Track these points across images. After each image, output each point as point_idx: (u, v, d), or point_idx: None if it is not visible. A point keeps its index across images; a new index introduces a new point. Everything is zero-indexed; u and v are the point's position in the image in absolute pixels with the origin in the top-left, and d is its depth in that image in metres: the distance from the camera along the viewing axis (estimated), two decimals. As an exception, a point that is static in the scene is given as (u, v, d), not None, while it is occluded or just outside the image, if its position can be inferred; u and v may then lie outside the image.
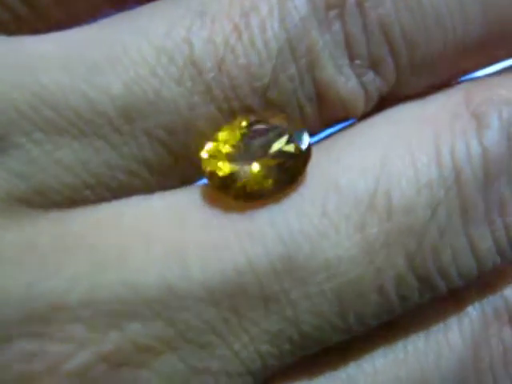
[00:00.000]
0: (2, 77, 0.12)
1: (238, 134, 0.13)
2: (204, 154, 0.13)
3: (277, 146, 0.13)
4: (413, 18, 0.14)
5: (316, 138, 0.15)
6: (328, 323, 0.13)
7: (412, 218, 0.13)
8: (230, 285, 0.12)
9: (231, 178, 0.13)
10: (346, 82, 0.14)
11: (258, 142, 0.13)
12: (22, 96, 0.12)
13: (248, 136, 0.13)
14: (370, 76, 0.14)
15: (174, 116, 0.13)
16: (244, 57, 0.13)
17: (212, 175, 0.13)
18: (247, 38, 0.13)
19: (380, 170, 0.13)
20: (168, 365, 0.12)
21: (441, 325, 0.14)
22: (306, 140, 0.13)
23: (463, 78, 0.15)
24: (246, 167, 0.13)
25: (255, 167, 0.13)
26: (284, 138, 0.13)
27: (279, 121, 0.13)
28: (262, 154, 0.13)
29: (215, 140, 0.13)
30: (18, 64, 0.13)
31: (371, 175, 0.13)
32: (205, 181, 0.14)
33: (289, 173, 0.13)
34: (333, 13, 0.13)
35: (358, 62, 0.14)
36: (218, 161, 0.13)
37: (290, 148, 0.13)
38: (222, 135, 0.13)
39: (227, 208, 0.13)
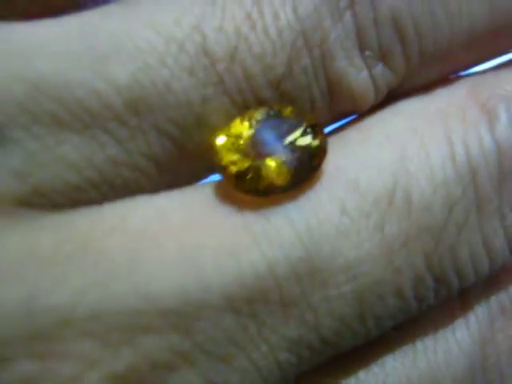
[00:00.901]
0: None
1: (252, 126, 0.12)
2: (218, 148, 0.12)
3: (292, 139, 0.12)
4: (423, 9, 0.13)
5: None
6: (348, 327, 0.12)
7: (430, 217, 0.12)
8: (249, 290, 0.11)
9: (246, 172, 0.12)
10: (358, 74, 0.13)
11: (272, 136, 0.12)
12: (21, 87, 0.11)
13: (262, 129, 0.12)
14: (379, 68, 0.13)
15: (185, 109, 0.12)
16: (258, 46, 0.12)
17: (227, 170, 0.12)
18: (260, 27, 0.12)
19: (397, 167, 0.13)
20: (184, 381, 0.11)
21: (449, 323, 0.14)
22: (321, 133, 0.13)
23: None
24: (261, 161, 0.12)
25: (271, 161, 0.12)
26: (299, 131, 0.12)
27: (293, 113, 0.12)
28: (276, 147, 0.12)
29: (228, 133, 0.12)
30: (15, 52, 0.11)
31: (389, 173, 0.13)
32: (212, 179, 0.13)
33: (305, 167, 0.12)
34: (343, 3, 0.13)
35: (368, 53, 0.13)
36: (233, 155, 0.12)
37: (307, 141, 0.12)
38: (236, 128, 0.12)
39: (241, 207, 0.12)
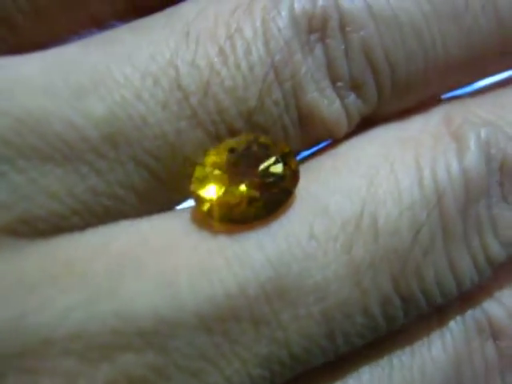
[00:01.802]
0: None
1: (225, 157, 0.13)
2: (191, 179, 0.13)
3: (264, 168, 0.13)
4: (394, 41, 0.14)
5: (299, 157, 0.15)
6: (316, 344, 0.13)
7: (397, 240, 0.13)
8: (220, 310, 0.12)
9: (220, 202, 0.13)
10: (330, 105, 0.14)
11: (245, 165, 0.13)
12: (6, 122, 0.12)
13: (235, 159, 0.13)
14: (352, 98, 0.14)
15: (160, 141, 0.13)
16: (230, 80, 0.13)
17: (200, 200, 0.13)
18: (232, 62, 0.13)
19: (366, 192, 0.13)
20: None
21: (425, 340, 0.14)
22: (293, 161, 0.13)
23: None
24: (234, 191, 0.13)
25: (244, 191, 0.13)
26: (271, 160, 0.13)
27: (265, 143, 0.13)
28: (249, 176, 0.13)
29: (202, 164, 0.13)
30: (0, 88, 0.12)
31: (357, 198, 0.13)
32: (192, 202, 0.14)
33: (278, 195, 0.13)
34: (314, 36, 0.14)
35: (340, 84, 0.14)
36: (206, 185, 0.13)
37: (279, 170, 0.13)
38: (210, 159, 0.13)
39: (216, 231, 0.13)
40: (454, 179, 0.13)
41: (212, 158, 0.13)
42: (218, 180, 0.13)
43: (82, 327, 0.12)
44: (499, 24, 0.15)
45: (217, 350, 0.12)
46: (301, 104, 0.13)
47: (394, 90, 0.14)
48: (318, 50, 0.14)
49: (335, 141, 0.15)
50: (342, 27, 0.14)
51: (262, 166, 0.13)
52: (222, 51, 0.13)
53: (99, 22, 0.14)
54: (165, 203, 0.13)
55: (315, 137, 0.14)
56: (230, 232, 0.13)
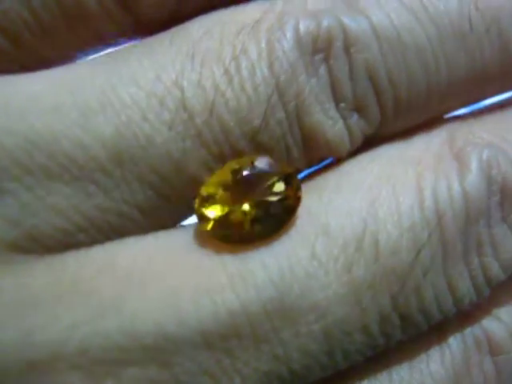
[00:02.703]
0: None
1: (228, 177, 0.13)
2: (196, 199, 0.13)
3: (267, 187, 0.13)
4: (398, 62, 0.14)
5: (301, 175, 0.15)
6: (316, 361, 0.13)
7: (397, 260, 0.13)
8: (223, 327, 0.13)
9: (223, 222, 0.13)
10: (333, 125, 0.14)
11: (248, 185, 0.13)
12: (15, 141, 0.12)
13: (238, 179, 0.13)
14: (354, 118, 0.14)
15: (165, 160, 0.13)
16: (234, 100, 0.13)
17: (203, 219, 0.13)
18: (237, 82, 0.13)
19: (367, 212, 0.13)
20: None
21: (423, 355, 0.15)
22: (295, 181, 0.14)
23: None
24: (237, 211, 0.13)
25: (246, 211, 0.13)
26: (274, 181, 0.13)
27: (268, 163, 0.13)
28: (252, 197, 0.13)
29: (206, 183, 0.13)
30: (9, 107, 0.12)
31: (358, 218, 0.13)
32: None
33: (279, 215, 0.13)
34: (319, 56, 0.14)
35: (343, 104, 0.14)
36: (210, 205, 0.13)
37: (281, 189, 0.13)
38: (213, 178, 0.13)
39: (220, 249, 0.13)
40: (455, 200, 0.14)
41: (216, 177, 0.13)
42: (221, 199, 0.13)
43: (88, 343, 0.12)
44: (503, 47, 0.15)
45: (218, 366, 0.13)
46: (304, 124, 0.14)
47: (397, 111, 0.14)
48: (322, 71, 0.14)
49: (338, 159, 0.15)
50: (347, 48, 0.14)
51: (264, 187, 0.13)
52: (227, 72, 0.13)
53: (104, 40, 0.15)
54: (169, 220, 0.14)
55: (318, 156, 0.14)
56: (233, 251, 0.13)
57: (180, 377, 0.13)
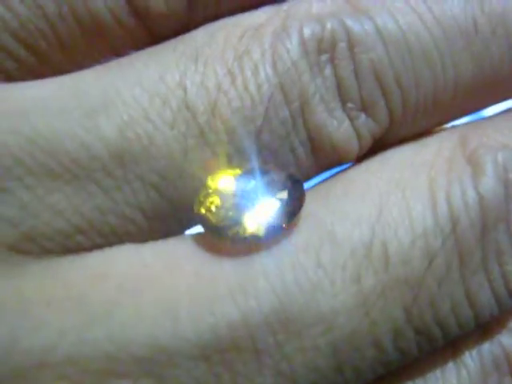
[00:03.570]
0: None
1: (232, 180, 0.13)
2: (198, 200, 0.13)
3: (271, 192, 0.13)
4: (404, 63, 0.14)
5: (312, 182, 0.14)
6: (324, 378, 0.12)
7: (409, 269, 0.12)
8: (222, 340, 0.12)
9: (225, 223, 0.13)
10: (339, 126, 0.13)
11: (251, 189, 0.13)
12: (17, 142, 0.12)
13: (242, 183, 0.13)
14: (362, 119, 0.14)
15: (168, 161, 0.13)
16: (237, 100, 0.13)
17: (205, 221, 0.13)
18: (240, 82, 0.13)
19: (376, 219, 0.13)
20: None
21: (438, 374, 0.14)
22: (299, 187, 0.13)
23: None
24: (240, 213, 0.13)
25: (249, 214, 0.13)
26: (278, 186, 0.13)
27: (272, 168, 0.13)
28: (255, 201, 0.13)
29: (209, 186, 0.13)
30: (12, 109, 0.12)
31: (367, 225, 0.13)
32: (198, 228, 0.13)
33: (282, 220, 0.13)
34: (324, 57, 0.13)
35: (350, 105, 0.13)
36: (212, 206, 0.13)
37: (284, 195, 0.13)
38: (216, 181, 0.13)
39: (219, 257, 0.13)
40: (470, 206, 0.13)
41: (218, 180, 0.13)
42: (223, 203, 0.13)
43: (76, 352, 0.11)
44: (510, 48, 0.14)
45: (216, 381, 0.12)
46: (309, 124, 0.13)
47: (405, 112, 0.14)
48: (328, 71, 0.13)
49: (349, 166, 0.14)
50: (351, 48, 0.13)
51: (268, 191, 0.13)
52: (230, 72, 0.13)
53: (118, 50, 0.14)
54: (172, 224, 0.13)
55: (326, 160, 0.14)
56: (234, 255, 0.12)
57: None
